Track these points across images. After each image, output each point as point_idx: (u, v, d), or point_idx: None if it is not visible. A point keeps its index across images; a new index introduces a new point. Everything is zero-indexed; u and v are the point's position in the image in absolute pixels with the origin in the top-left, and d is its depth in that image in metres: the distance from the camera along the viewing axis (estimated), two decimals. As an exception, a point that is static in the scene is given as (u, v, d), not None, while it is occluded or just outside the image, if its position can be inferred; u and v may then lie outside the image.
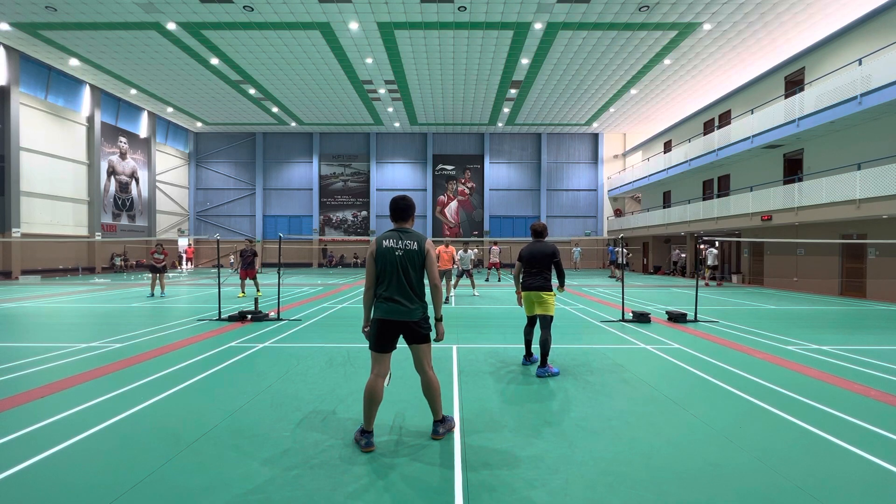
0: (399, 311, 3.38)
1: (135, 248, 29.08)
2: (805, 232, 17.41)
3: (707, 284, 20.01)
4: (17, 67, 20.79)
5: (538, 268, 5.61)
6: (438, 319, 3.53)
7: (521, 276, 5.76)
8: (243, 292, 13.98)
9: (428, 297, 3.55)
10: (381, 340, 3.43)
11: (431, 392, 3.57)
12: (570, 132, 35.03)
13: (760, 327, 8.94)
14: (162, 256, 14.17)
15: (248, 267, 13.62)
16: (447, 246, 13.40)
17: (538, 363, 5.55)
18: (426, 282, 3.53)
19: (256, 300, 10.36)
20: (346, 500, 2.75)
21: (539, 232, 5.86)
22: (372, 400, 3.41)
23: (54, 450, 3.39)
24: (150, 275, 14.21)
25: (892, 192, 12.52)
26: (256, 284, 14.14)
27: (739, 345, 7.30)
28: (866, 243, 14.40)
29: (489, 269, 22.02)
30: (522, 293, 5.68)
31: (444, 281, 13.28)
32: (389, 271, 3.41)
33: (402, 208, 3.54)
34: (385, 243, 3.43)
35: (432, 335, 3.55)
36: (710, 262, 19.97)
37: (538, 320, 5.67)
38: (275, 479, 2.99)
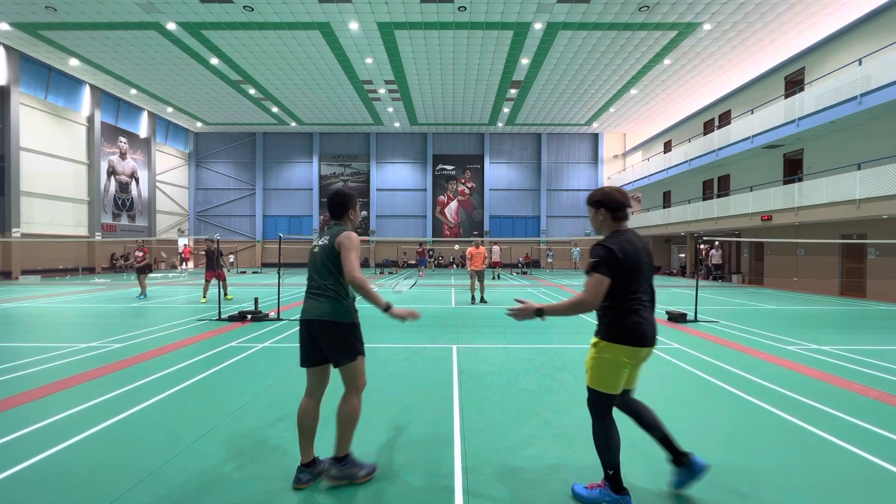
0: (311, 309, 2.93)
1: (133, 249, 29.08)
2: (805, 232, 17.41)
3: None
4: (17, 67, 20.78)
5: (651, 285, 2.77)
6: (386, 308, 2.80)
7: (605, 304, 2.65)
8: (205, 297, 12.70)
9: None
10: (301, 348, 2.98)
11: (345, 421, 2.92)
12: (570, 132, 35.02)
13: (760, 327, 8.94)
14: (141, 254, 13.69)
15: (214, 268, 12.35)
16: (478, 247, 12.43)
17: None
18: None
19: (256, 300, 10.36)
20: (346, 500, 2.75)
21: (624, 207, 2.75)
22: (300, 426, 2.93)
23: (54, 450, 3.38)
24: (138, 275, 13.81)
25: (892, 192, 12.52)
26: (224, 287, 12.69)
27: (739, 345, 7.30)
28: (866, 243, 14.41)
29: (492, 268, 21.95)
30: (626, 350, 2.60)
31: (475, 280, 12.48)
32: (309, 269, 3.09)
33: (332, 205, 3.14)
34: (314, 241, 3.18)
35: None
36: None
37: (624, 398, 2.87)
38: (275, 478, 2.99)
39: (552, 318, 2.90)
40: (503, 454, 3.38)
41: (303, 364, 2.97)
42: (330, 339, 2.87)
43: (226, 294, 13.00)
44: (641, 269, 2.63)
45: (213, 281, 12.93)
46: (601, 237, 2.72)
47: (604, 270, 2.54)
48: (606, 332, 2.63)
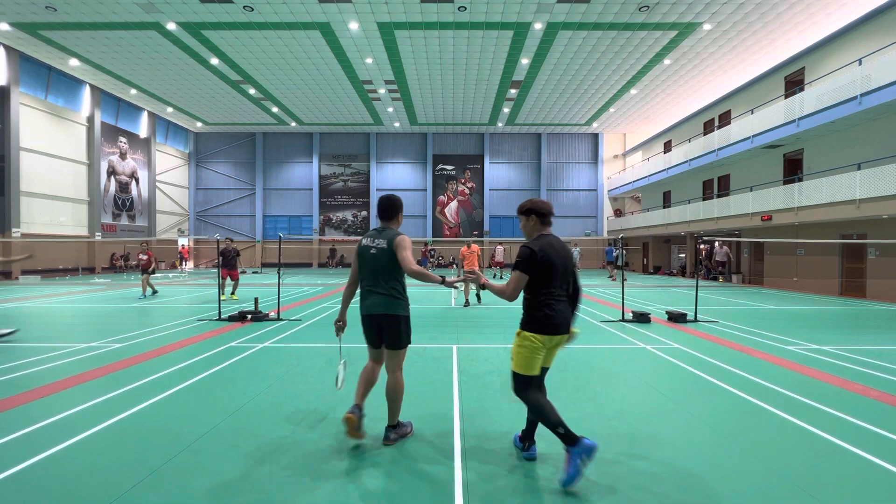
0: (376, 305, 3.46)
1: (135, 249, 29.08)
2: (805, 232, 17.41)
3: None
4: (17, 67, 20.77)
5: (566, 283, 3.21)
6: (441, 281, 3.44)
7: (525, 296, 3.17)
8: (224, 293, 13.09)
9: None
10: (365, 333, 3.60)
11: (395, 395, 3.55)
12: (570, 132, 35.02)
13: (760, 327, 8.94)
14: (146, 257, 13.90)
15: (231, 267, 13.11)
16: (470, 246, 11.84)
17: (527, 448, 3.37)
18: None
19: (256, 300, 10.36)
20: (346, 501, 2.76)
21: (551, 212, 3.27)
22: (363, 376, 3.59)
23: (54, 450, 3.39)
24: (141, 276, 14.13)
25: (892, 192, 12.52)
26: (235, 286, 13.48)
27: (739, 345, 7.30)
28: (866, 243, 14.41)
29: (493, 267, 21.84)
30: (540, 338, 3.05)
31: (466, 286, 11.48)
32: (365, 269, 3.53)
33: (384, 207, 3.62)
34: (363, 242, 3.56)
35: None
36: None
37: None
38: (275, 478, 3.00)
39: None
40: (503, 454, 3.38)
41: (368, 342, 3.61)
42: (391, 329, 3.48)
43: (233, 292, 13.50)
44: (557, 268, 3.08)
45: (225, 279, 13.33)
46: (528, 240, 3.21)
47: (524, 268, 3.06)
48: (524, 322, 3.12)
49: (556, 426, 2.93)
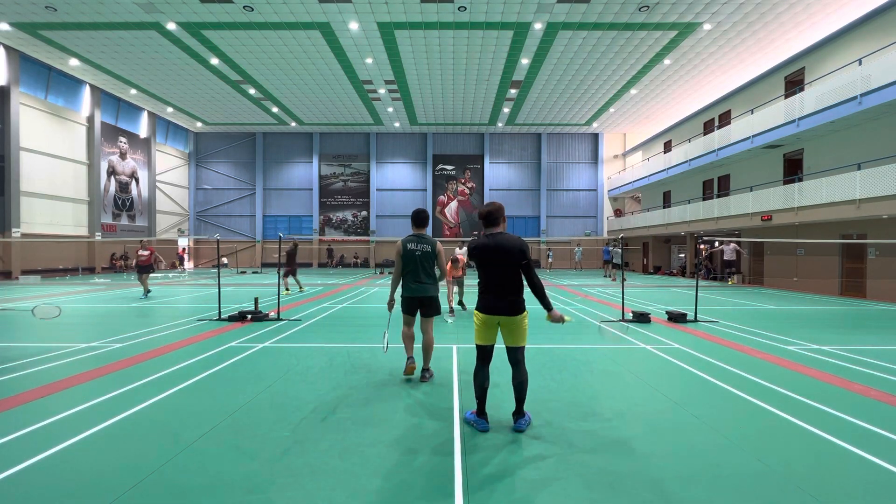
0: (420, 290, 5.01)
1: (135, 249, 29.08)
2: (805, 232, 17.41)
3: None
4: (17, 67, 20.78)
5: (503, 274, 3.74)
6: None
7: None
8: (301, 288, 15.46)
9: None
10: (408, 308, 5.12)
11: (429, 347, 5.21)
12: (570, 132, 35.02)
13: (760, 327, 8.94)
14: (147, 253, 13.69)
15: (292, 264, 15.11)
16: (461, 247, 11.42)
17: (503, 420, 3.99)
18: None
19: (256, 300, 10.35)
20: (346, 500, 2.75)
21: (493, 216, 3.87)
22: (407, 338, 5.22)
23: (54, 450, 3.39)
24: (140, 275, 13.88)
25: (892, 192, 12.52)
26: (279, 284, 13.66)
27: (739, 345, 7.30)
28: (866, 243, 14.40)
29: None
30: (480, 315, 3.79)
31: (456, 287, 10.80)
32: (412, 266, 5.01)
33: (421, 218, 5.10)
34: (408, 246, 5.02)
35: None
36: None
37: (508, 355, 3.84)
38: (275, 479, 2.99)
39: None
40: (503, 454, 3.39)
41: (408, 313, 5.16)
42: (430, 304, 5.08)
43: (300, 287, 15.51)
44: (489, 261, 3.75)
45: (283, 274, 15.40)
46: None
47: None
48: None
49: (477, 399, 3.87)
